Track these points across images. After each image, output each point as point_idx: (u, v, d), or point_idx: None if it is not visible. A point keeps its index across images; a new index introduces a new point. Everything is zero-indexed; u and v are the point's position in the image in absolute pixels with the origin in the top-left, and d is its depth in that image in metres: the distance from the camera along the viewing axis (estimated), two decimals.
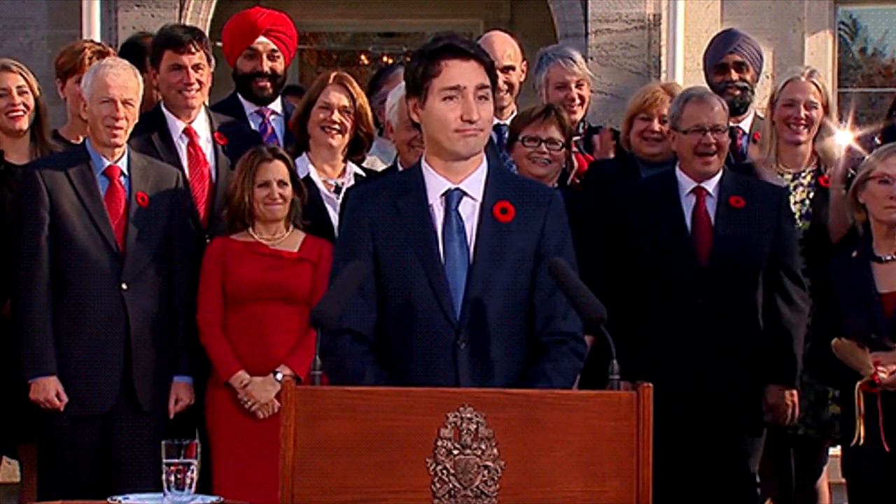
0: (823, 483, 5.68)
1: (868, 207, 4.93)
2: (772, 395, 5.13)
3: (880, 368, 4.63)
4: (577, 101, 5.91)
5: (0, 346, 5.14)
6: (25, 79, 5.43)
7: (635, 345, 4.88)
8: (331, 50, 11.77)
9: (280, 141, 5.82)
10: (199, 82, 5.48)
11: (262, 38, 5.89)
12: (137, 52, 5.76)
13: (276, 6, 6.39)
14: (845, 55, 9.42)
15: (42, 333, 4.99)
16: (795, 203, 5.43)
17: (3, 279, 5.13)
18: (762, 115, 5.87)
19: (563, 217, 3.75)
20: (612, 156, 5.85)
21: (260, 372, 5.08)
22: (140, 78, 5.19)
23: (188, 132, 5.51)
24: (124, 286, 5.04)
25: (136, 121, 5.15)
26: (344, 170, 5.43)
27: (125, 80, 5.09)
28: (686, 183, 5.21)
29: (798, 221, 5.40)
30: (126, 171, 5.14)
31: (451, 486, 3.16)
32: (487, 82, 3.62)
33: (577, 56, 6.06)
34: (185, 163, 5.44)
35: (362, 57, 11.61)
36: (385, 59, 11.00)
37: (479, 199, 3.68)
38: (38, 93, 5.45)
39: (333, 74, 5.47)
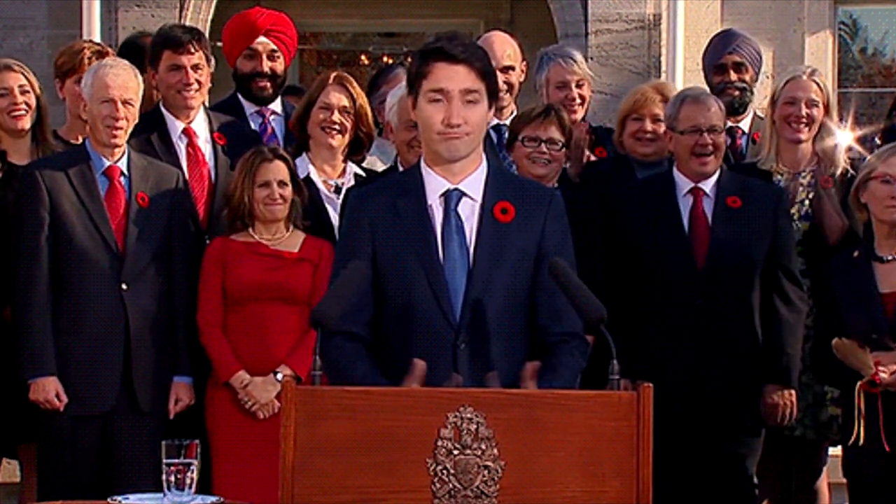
0: (823, 483, 5.68)
1: (870, 207, 4.93)
2: (769, 395, 5.13)
3: (881, 368, 4.63)
4: (578, 100, 5.91)
5: (0, 347, 5.14)
6: (27, 78, 5.43)
7: (635, 345, 4.88)
8: (331, 50, 11.78)
9: (280, 141, 5.82)
10: (198, 82, 5.48)
11: (262, 39, 5.89)
12: (137, 51, 5.76)
13: (276, 6, 6.39)
14: (845, 55, 9.42)
15: (42, 333, 4.99)
16: (795, 203, 5.43)
17: (3, 280, 5.12)
18: (762, 116, 5.87)
19: (563, 217, 3.75)
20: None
21: (260, 372, 5.08)
22: (140, 78, 5.19)
23: (187, 132, 5.51)
24: (124, 286, 5.04)
25: (137, 121, 5.15)
26: (344, 170, 5.43)
27: (125, 81, 5.09)
28: (683, 183, 5.21)
29: (797, 222, 5.40)
30: (126, 172, 5.14)
31: (451, 486, 3.16)
32: (476, 87, 3.60)
33: (578, 56, 6.06)
34: (184, 163, 5.44)
35: (362, 57, 11.61)
36: (385, 59, 11.00)
37: (479, 199, 3.68)
38: (39, 93, 5.45)
39: (333, 75, 5.48)
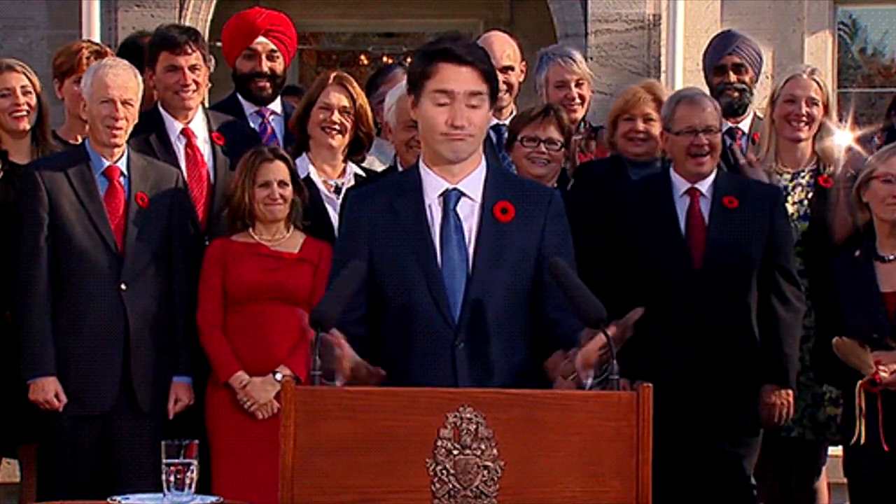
0: (822, 483, 5.68)
1: (871, 207, 4.93)
2: (767, 395, 5.12)
3: (881, 368, 4.63)
4: (577, 100, 5.91)
5: (0, 347, 5.14)
6: (29, 79, 5.43)
7: (633, 345, 4.88)
8: (330, 50, 11.78)
9: (280, 141, 5.82)
10: (196, 83, 5.47)
11: (261, 39, 5.88)
12: (137, 52, 5.75)
13: (276, 6, 6.39)
14: (845, 55, 9.43)
15: (41, 334, 4.99)
16: (794, 203, 5.43)
17: (3, 280, 5.12)
18: (762, 116, 5.87)
19: (563, 217, 3.76)
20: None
21: (260, 372, 5.08)
22: (140, 78, 5.19)
23: (185, 133, 5.50)
24: (124, 286, 5.04)
25: (136, 121, 5.15)
26: (344, 170, 5.43)
27: (125, 81, 5.09)
28: (680, 184, 5.21)
29: (796, 222, 5.39)
30: (126, 172, 5.14)
31: (450, 486, 3.16)
32: (481, 89, 3.61)
33: (577, 55, 6.06)
34: (182, 164, 5.43)
35: (362, 57, 11.62)
36: (385, 59, 11.00)
37: (479, 199, 3.69)
38: (40, 93, 5.45)
39: (333, 75, 5.47)
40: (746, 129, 6.03)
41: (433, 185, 3.68)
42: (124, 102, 5.06)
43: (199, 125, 5.55)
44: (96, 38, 7.57)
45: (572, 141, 5.48)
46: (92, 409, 5.02)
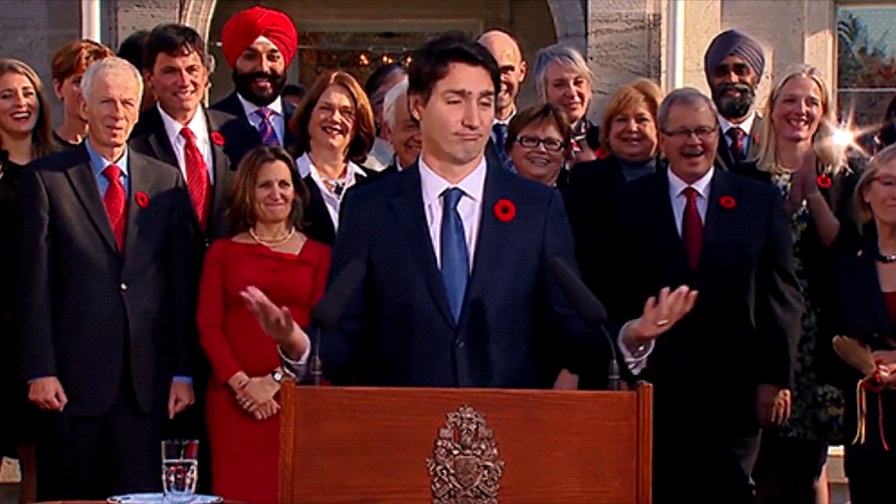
0: (822, 483, 5.68)
1: (872, 207, 4.94)
2: (764, 395, 5.12)
3: (882, 367, 4.63)
4: (577, 98, 5.92)
5: (0, 347, 5.14)
6: (31, 80, 5.43)
7: None
8: (330, 50, 11.79)
9: (280, 141, 5.82)
10: (194, 84, 5.47)
11: (261, 39, 5.88)
12: (137, 52, 5.75)
13: (276, 6, 6.39)
14: (845, 55, 9.43)
15: (41, 334, 4.98)
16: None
17: (3, 280, 5.13)
18: (763, 116, 5.87)
19: (563, 216, 3.76)
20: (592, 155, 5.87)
21: (260, 373, 5.08)
22: (140, 78, 5.19)
23: (185, 133, 5.50)
24: (124, 286, 5.04)
25: (136, 120, 5.15)
26: (345, 170, 5.43)
27: (125, 80, 5.09)
28: (677, 184, 5.21)
29: (795, 222, 5.39)
30: (126, 172, 5.14)
31: (451, 486, 3.16)
32: (492, 89, 3.64)
33: (576, 54, 6.07)
34: (182, 165, 5.43)
35: (362, 57, 11.62)
36: (385, 59, 11.01)
37: (479, 198, 3.69)
38: (42, 94, 5.45)
39: (334, 75, 5.47)
40: (748, 130, 6.03)
41: (433, 184, 3.69)
42: (124, 102, 5.06)
43: (198, 125, 5.54)
44: (96, 38, 7.57)
45: (574, 141, 5.48)
46: (92, 409, 5.02)
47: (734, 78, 5.99)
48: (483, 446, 3.17)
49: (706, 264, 5.07)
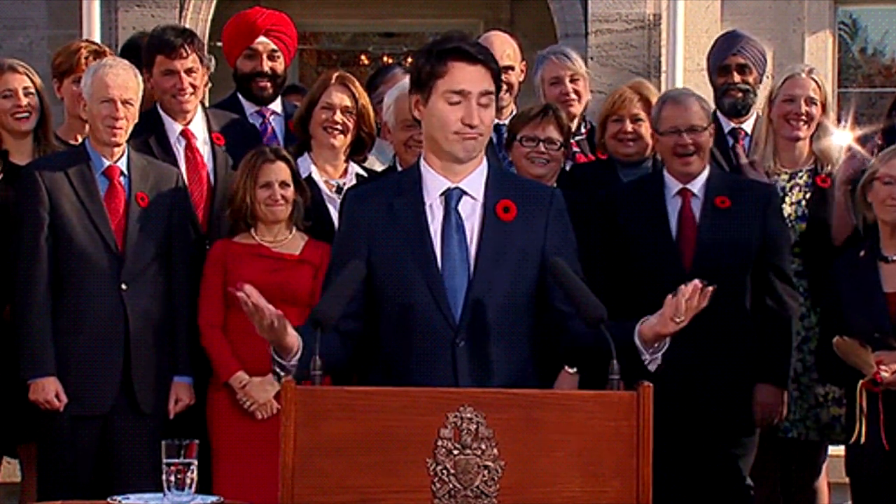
0: (822, 483, 5.68)
1: (874, 207, 4.94)
2: (761, 395, 5.11)
3: (882, 367, 4.63)
4: (573, 94, 5.92)
5: (0, 347, 5.14)
6: (32, 80, 5.43)
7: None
8: (331, 50, 11.79)
9: (280, 141, 5.82)
10: (193, 86, 5.46)
11: (261, 38, 5.88)
12: (138, 52, 5.75)
13: (276, 6, 6.40)
14: (845, 55, 9.44)
15: (41, 334, 4.98)
16: (792, 203, 5.42)
17: (3, 279, 5.13)
18: None
19: (564, 216, 3.76)
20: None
21: (260, 373, 5.08)
22: (140, 77, 5.19)
23: (185, 134, 5.50)
24: (124, 286, 5.04)
25: (136, 120, 5.15)
26: (346, 170, 5.43)
27: (125, 80, 5.09)
28: (672, 184, 5.20)
29: (794, 222, 5.39)
30: (126, 171, 5.14)
31: (451, 486, 3.16)
32: (492, 88, 3.63)
33: (572, 53, 6.09)
34: (182, 166, 5.43)
35: (362, 57, 11.63)
36: (385, 59, 11.01)
37: (480, 198, 3.69)
38: (43, 94, 5.45)
39: (336, 75, 5.47)
40: (749, 130, 6.03)
41: (434, 184, 3.69)
42: (124, 102, 5.06)
43: (198, 126, 5.54)
44: (96, 38, 7.57)
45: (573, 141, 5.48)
46: (92, 409, 5.02)
47: (737, 78, 5.99)
48: (483, 446, 3.17)
49: (700, 265, 5.06)
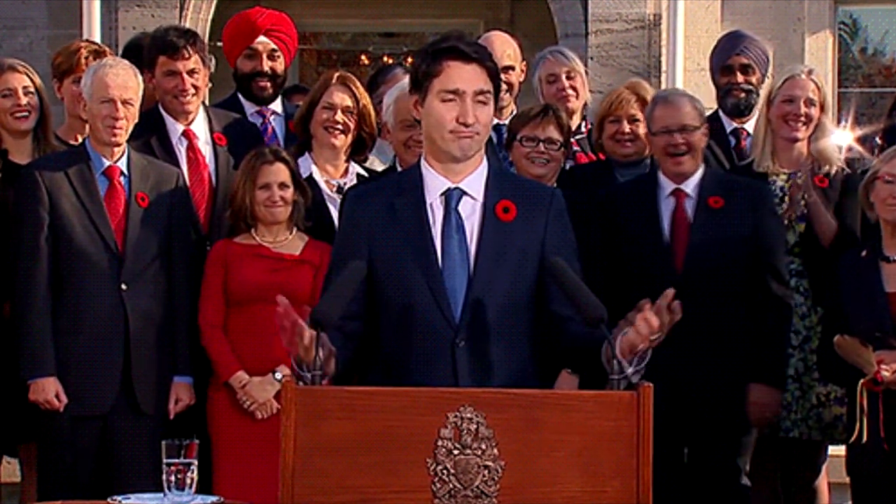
0: (822, 482, 5.68)
1: (876, 207, 4.94)
2: (754, 394, 5.10)
3: (883, 367, 4.63)
4: (570, 91, 5.93)
5: (0, 346, 5.14)
6: (31, 79, 5.43)
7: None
8: (331, 50, 11.79)
9: (280, 141, 5.82)
10: (195, 87, 5.46)
11: (262, 38, 5.89)
12: (140, 53, 5.75)
13: (277, 6, 6.39)
14: (845, 55, 9.44)
15: (41, 334, 4.98)
16: (792, 204, 5.41)
17: (3, 279, 5.13)
18: None
19: (564, 216, 3.76)
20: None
21: (261, 373, 5.08)
22: (140, 77, 5.19)
23: (187, 134, 5.50)
24: (124, 286, 5.04)
25: (137, 120, 5.15)
26: (346, 170, 5.43)
27: (125, 80, 5.09)
28: (666, 185, 5.20)
29: (794, 222, 5.38)
30: (126, 171, 5.14)
31: (451, 486, 3.16)
32: (488, 87, 3.63)
33: (569, 52, 6.12)
34: (184, 167, 5.42)
35: (362, 57, 11.62)
36: (385, 59, 11.01)
37: (480, 198, 3.69)
38: (43, 94, 5.45)
39: (336, 75, 5.47)
40: (751, 130, 6.03)
41: (435, 184, 3.69)
42: (124, 102, 5.06)
43: (200, 126, 5.54)
44: (97, 38, 7.57)
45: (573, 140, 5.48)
46: (92, 410, 5.02)
47: (739, 78, 5.99)
48: (483, 446, 3.17)
49: (692, 266, 5.06)
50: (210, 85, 5.80)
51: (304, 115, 5.43)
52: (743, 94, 5.98)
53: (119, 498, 3.60)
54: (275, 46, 5.90)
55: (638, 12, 8.11)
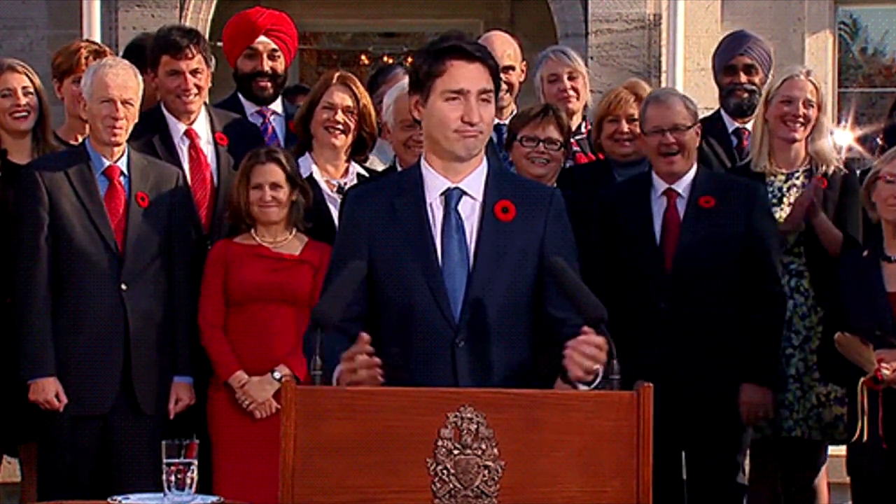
0: (822, 482, 5.68)
1: (877, 207, 4.94)
2: (745, 394, 5.09)
3: (884, 365, 4.63)
4: (571, 92, 5.93)
5: (0, 346, 5.14)
6: (31, 79, 5.42)
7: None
8: (331, 50, 11.79)
9: (281, 141, 5.82)
10: (198, 87, 5.46)
11: (262, 38, 5.88)
12: (141, 53, 5.75)
13: (277, 6, 6.39)
14: (845, 55, 9.44)
15: (41, 334, 4.98)
16: (790, 204, 5.41)
17: (3, 279, 5.13)
18: None
19: (564, 216, 3.75)
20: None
21: (261, 372, 5.08)
22: (140, 77, 5.19)
23: (189, 134, 5.50)
24: (124, 286, 5.04)
25: (136, 120, 5.15)
26: (347, 170, 5.43)
27: (125, 80, 5.09)
28: (659, 185, 5.20)
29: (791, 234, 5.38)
30: (126, 171, 5.14)
31: (451, 486, 3.16)
32: (490, 86, 3.63)
33: (571, 52, 6.11)
34: (186, 166, 5.42)
35: (362, 57, 11.63)
36: (385, 58, 11.01)
37: (480, 198, 3.68)
38: (42, 94, 5.45)
39: (337, 74, 5.47)
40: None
41: (435, 183, 3.68)
42: (124, 102, 5.06)
43: (202, 126, 5.54)
44: (97, 38, 7.57)
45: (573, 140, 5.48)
46: (92, 410, 5.02)
47: (743, 78, 5.99)
48: (483, 446, 3.17)
49: (681, 265, 5.06)
50: (210, 85, 5.80)
51: (304, 114, 5.43)
52: (746, 95, 5.97)
53: (119, 498, 3.60)
54: (275, 46, 5.90)
55: (638, 12, 8.11)
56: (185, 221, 5.26)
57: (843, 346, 4.69)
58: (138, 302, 5.05)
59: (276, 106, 5.97)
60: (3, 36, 8.20)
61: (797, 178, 5.47)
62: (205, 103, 5.62)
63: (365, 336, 3.39)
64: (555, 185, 5.16)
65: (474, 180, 3.69)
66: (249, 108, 5.93)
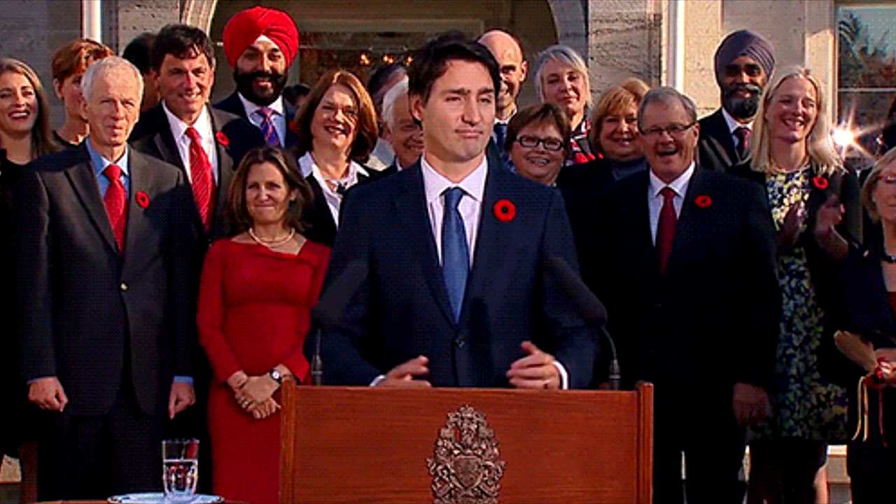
0: (822, 482, 5.68)
1: (878, 206, 4.94)
2: (739, 394, 5.09)
3: (884, 364, 4.63)
4: (571, 92, 5.93)
5: (0, 346, 5.14)
6: (30, 79, 5.43)
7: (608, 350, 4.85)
8: (331, 50, 11.79)
9: (281, 141, 5.82)
10: (200, 86, 5.46)
11: (262, 38, 5.88)
12: (142, 53, 5.75)
13: (277, 6, 6.39)
14: (846, 55, 9.43)
15: (41, 334, 4.98)
16: (791, 205, 5.40)
17: (3, 279, 5.13)
18: None
19: (563, 216, 3.76)
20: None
21: (259, 372, 5.08)
22: (140, 77, 5.19)
23: (190, 133, 5.50)
24: (124, 286, 5.04)
25: (137, 120, 5.15)
26: (347, 170, 5.43)
27: (125, 80, 5.09)
28: (656, 184, 5.20)
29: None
30: (126, 171, 5.14)
31: (451, 485, 3.16)
32: (491, 85, 3.63)
33: (572, 52, 6.11)
34: (187, 165, 5.43)
35: (363, 57, 11.63)
36: (386, 59, 11.02)
37: (480, 198, 3.69)
38: (41, 94, 5.45)
39: (337, 74, 5.47)
40: None
41: (435, 183, 3.68)
42: (124, 102, 5.06)
43: (203, 125, 5.54)
44: (97, 38, 7.56)
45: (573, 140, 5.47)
46: (92, 410, 5.02)
47: (745, 78, 6.00)
48: (484, 446, 3.17)
49: (676, 265, 5.06)
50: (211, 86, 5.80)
51: (304, 114, 5.43)
52: (748, 95, 5.98)
53: (119, 498, 3.60)
54: (275, 46, 5.90)
55: (638, 12, 8.11)
56: (185, 221, 5.26)
57: (843, 344, 4.69)
58: (138, 302, 5.05)
59: (277, 106, 5.97)
60: (3, 36, 8.20)
61: (797, 178, 5.47)
62: (206, 103, 5.62)
63: (423, 358, 3.42)
64: (554, 184, 5.17)
65: (474, 180, 3.69)
66: (250, 107, 5.94)
